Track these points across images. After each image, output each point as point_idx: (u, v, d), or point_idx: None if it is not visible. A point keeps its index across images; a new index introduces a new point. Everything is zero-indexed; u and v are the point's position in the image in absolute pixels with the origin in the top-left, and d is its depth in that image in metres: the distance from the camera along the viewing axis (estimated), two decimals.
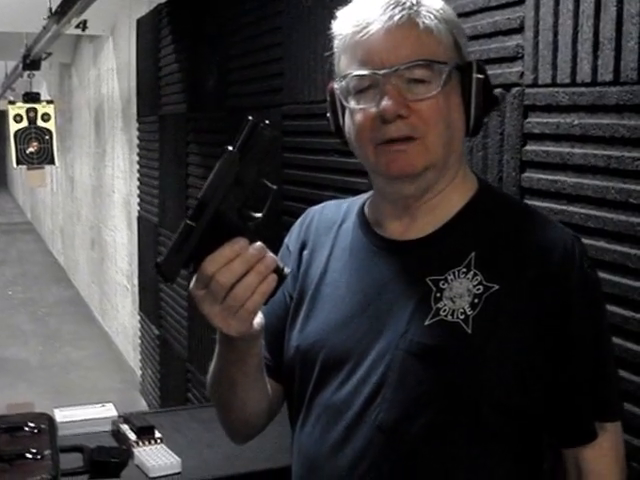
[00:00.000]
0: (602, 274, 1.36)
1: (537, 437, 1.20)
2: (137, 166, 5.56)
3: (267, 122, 1.04)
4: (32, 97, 6.51)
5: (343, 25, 1.20)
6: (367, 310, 1.22)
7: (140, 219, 5.56)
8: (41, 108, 6.48)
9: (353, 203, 1.36)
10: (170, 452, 2.06)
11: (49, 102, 6.63)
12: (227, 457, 2.09)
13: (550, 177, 1.59)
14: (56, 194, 12.38)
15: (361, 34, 1.16)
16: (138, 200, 5.56)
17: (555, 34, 1.57)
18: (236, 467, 2.05)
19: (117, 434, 2.18)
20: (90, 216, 9.13)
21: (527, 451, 1.20)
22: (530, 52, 1.63)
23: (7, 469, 1.79)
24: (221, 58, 3.66)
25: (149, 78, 5.10)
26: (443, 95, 1.16)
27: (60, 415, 2.25)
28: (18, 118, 6.41)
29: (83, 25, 5.97)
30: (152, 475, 1.96)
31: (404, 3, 1.15)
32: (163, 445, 2.11)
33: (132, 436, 2.12)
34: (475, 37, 1.76)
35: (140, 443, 2.09)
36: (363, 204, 1.33)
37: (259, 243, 1.05)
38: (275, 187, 1.07)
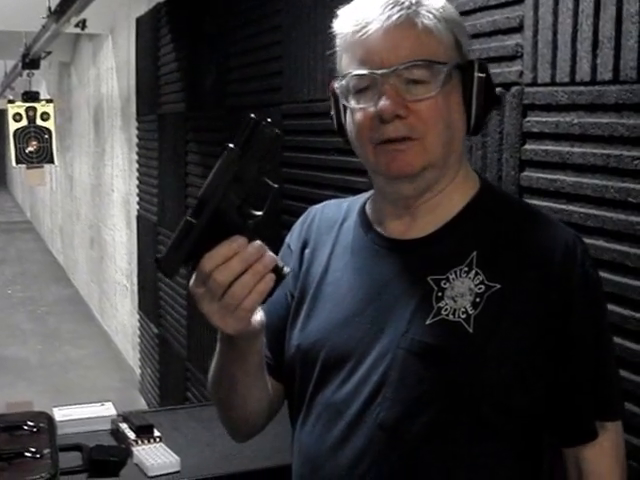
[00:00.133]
0: (601, 273, 1.35)
1: (538, 436, 1.20)
2: (136, 165, 5.56)
3: (269, 120, 1.04)
4: (31, 96, 6.50)
5: (344, 24, 1.20)
6: (368, 309, 1.22)
7: (139, 218, 5.56)
8: (40, 107, 6.48)
9: (354, 202, 1.36)
10: (169, 451, 2.06)
11: (48, 101, 6.62)
12: (226, 456, 2.09)
13: (549, 176, 1.59)
14: (55, 193, 12.37)
15: (360, 33, 1.16)
16: (137, 199, 5.56)
17: (554, 33, 1.57)
18: (235, 466, 2.05)
19: (116, 433, 2.18)
20: (89, 215, 9.13)
21: (528, 450, 1.20)
22: (529, 51, 1.63)
23: (6, 468, 1.79)
24: (220, 57, 3.65)
25: (148, 77, 5.10)
26: (442, 95, 1.15)
27: (59, 414, 2.25)
28: (17, 117, 6.41)
29: (82, 24, 5.97)
30: (151, 474, 1.96)
31: (402, 3, 1.14)
32: (162, 444, 2.11)
33: (131, 435, 2.12)
34: (474, 36, 1.76)
35: (139, 442, 2.09)
36: (364, 203, 1.33)
37: (258, 242, 1.05)
38: (276, 186, 1.07)
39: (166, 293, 4.75)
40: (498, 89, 1.68)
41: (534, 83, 1.63)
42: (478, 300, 1.15)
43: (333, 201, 1.42)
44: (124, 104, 6.56)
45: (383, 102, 1.15)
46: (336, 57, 1.24)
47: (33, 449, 1.85)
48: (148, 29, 5.09)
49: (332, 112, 1.27)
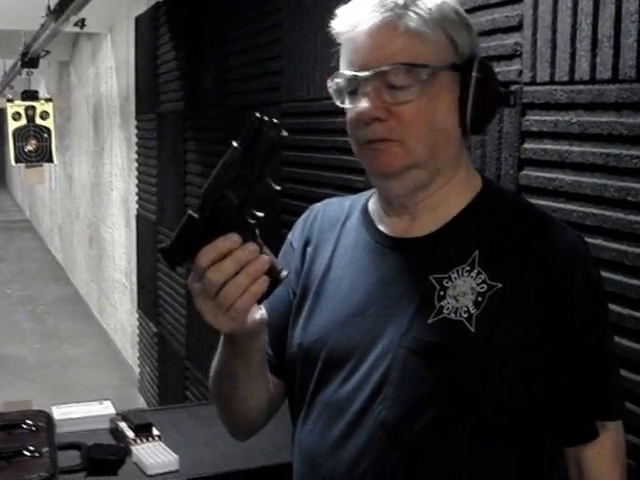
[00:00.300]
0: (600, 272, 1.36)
1: (538, 436, 1.20)
2: (135, 164, 5.55)
3: (275, 121, 1.04)
4: (30, 95, 6.50)
5: (338, 24, 1.21)
6: (370, 308, 1.22)
7: (138, 217, 5.55)
8: (40, 106, 6.47)
9: (357, 200, 1.36)
10: (168, 450, 2.06)
11: (48, 100, 6.61)
12: (225, 454, 2.09)
13: (548, 175, 1.59)
14: (54, 192, 12.37)
15: (349, 35, 1.18)
16: (136, 198, 5.55)
17: (554, 32, 1.57)
18: (234, 464, 2.05)
19: (115, 432, 2.18)
20: (88, 214, 9.12)
21: (528, 450, 1.20)
22: (528, 50, 1.63)
23: (5, 467, 1.79)
24: (220, 56, 3.65)
25: (147, 76, 5.10)
26: (427, 98, 1.15)
27: (58, 412, 2.25)
28: (16, 116, 6.40)
29: (81, 23, 5.96)
30: (150, 472, 1.96)
31: (389, 4, 1.14)
32: (161, 443, 2.11)
33: (130, 434, 2.12)
34: None
35: (138, 441, 2.09)
36: (367, 201, 1.34)
37: (252, 244, 1.04)
38: (278, 188, 1.07)
39: (165, 292, 4.75)
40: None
41: (533, 82, 1.63)
42: (480, 299, 1.15)
43: (335, 199, 1.42)
44: (123, 103, 6.55)
45: (362, 105, 1.16)
46: (338, 56, 1.24)
47: (32, 448, 1.85)
48: (147, 28, 5.09)
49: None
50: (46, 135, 6.47)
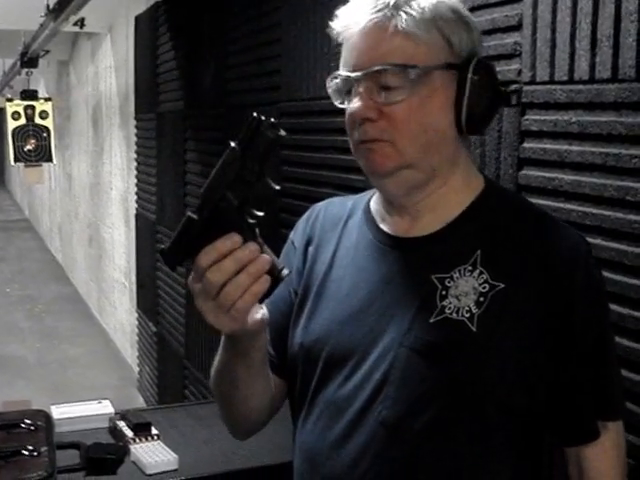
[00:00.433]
0: None
1: (539, 435, 1.20)
2: (135, 163, 5.56)
3: (272, 120, 1.04)
4: (30, 94, 6.49)
5: (336, 24, 1.21)
6: (371, 307, 1.22)
7: (138, 216, 5.55)
8: (39, 106, 6.47)
9: (359, 200, 1.37)
10: (167, 449, 2.06)
11: (47, 100, 6.61)
12: (224, 454, 2.09)
13: (547, 174, 1.59)
14: (54, 192, 12.37)
15: (345, 35, 1.19)
16: (136, 197, 5.56)
17: (553, 31, 1.56)
18: (233, 464, 2.05)
19: (114, 431, 2.18)
20: (88, 213, 9.12)
21: (529, 449, 1.20)
22: (528, 49, 1.63)
23: (4, 466, 1.79)
24: (219, 55, 3.65)
25: (147, 75, 5.10)
26: (418, 98, 1.15)
27: (57, 412, 2.24)
28: (16, 115, 6.40)
29: (81, 22, 5.97)
30: (149, 472, 1.96)
31: (381, 5, 1.15)
32: (160, 442, 2.11)
33: (129, 433, 2.12)
34: None
35: (137, 440, 2.09)
36: (369, 201, 1.34)
37: (253, 243, 1.04)
38: (278, 187, 1.07)
39: (164, 291, 4.75)
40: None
41: (532, 81, 1.62)
42: (482, 299, 1.15)
43: (337, 198, 1.42)
44: (123, 102, 6.55)
45: (353, 105, 1.18)
46: (338, 56, 1.25)
47: (30, 447, 1.85)
48: (147, 27, 5.09)
49: None
50: (45, 134, 6.47)
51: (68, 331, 8.11)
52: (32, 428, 1.97)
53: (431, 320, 1.16)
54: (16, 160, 6.48)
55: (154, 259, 4.97)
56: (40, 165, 6.67)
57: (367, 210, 1.32)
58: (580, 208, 1.51)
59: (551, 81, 1.58)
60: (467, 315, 1.15)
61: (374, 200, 1.32)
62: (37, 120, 6.44)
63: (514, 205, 1.27)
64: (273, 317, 1.22)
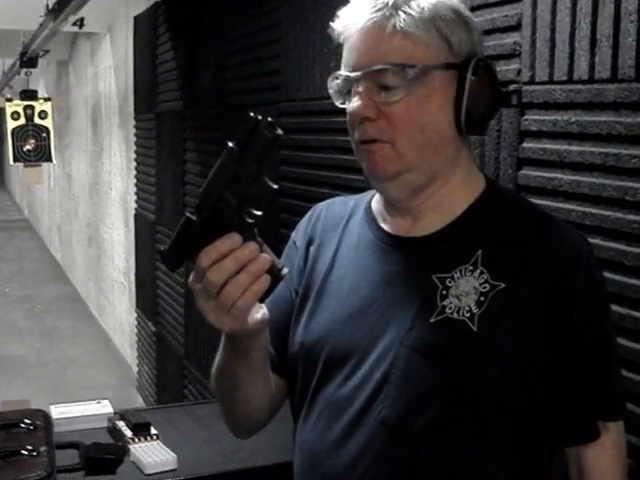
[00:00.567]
0: None
1: (539, 435, 1.20)
2: (134, 163, 5.56)
3: (270, 119, 1.04)
4: (29, 94, 6.49)
5: (337, 24, 1.22)
6: (372, 306, 1.22)
7: (137, 216, 5.55)
8: (38, 106, 6.47)
9: (360, 199, 1.37)
10: (166, 449, 2.06)
11: (46, 100, 6.61)
12: (223, 454, 2.09)
13: (547, 174, 1.59)
14: (53, 191, 12.36)
15: (346, 35, 1.20)
16: (135, 197, 5.56)
17: (552, 31, 1.56)
18: (232, 464, 2.05)
19: (113, 431, 2.18)
20: (87, 213, 9.12)
21: (529, 450, 1.20)
22: (527, 49, 1.63)
23: (3, 466, 1.79)
24: (218, 55, 3.65)
25: (146, 75, 5.10)
26: (416, 97, 1.15)
27: (56, 412, 2.24)
28: (15, 115, 6.40)
29: (80, 22, 5.97)
30: (148, 472, 1.96)
31: (380, 5, 1.15)
32: (159, 442, 2.11)
33: (128, 433, 2.12)
34: None
35: (136, 440, 2.09)
36: (370, 200, 1.34)
37: (253, 243, 1.04)
38: (276, 186, 1.07)
39: (164, 291, 4.75)
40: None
41: (532, 81, 1.62)
42: (483, 299, 1.15)
43: (339, 198, 1.42)
44: (122, 102, 6.55)
45: (352, 104, 1.18)
46: (339, 56, 1.25)
47: (30, 447, 1.85)
48: (146, 28, 5.09)
49: None
50: (45, 134, 6.47)
51: (67, 331, 8.11)
52: (31, 428, 1.97)
53: (432, 320, 1.16)
54: (15, 160, 6.47)
55: (153, 259, 4.97)
56: (39, 165, 6.68)
57: (368, 210, 1.32)
58: (579, 208, 1.51)
59: (550, 81, 1.58)
60: (468, 315, 1.15)
61: (375, 200, 1.32)
62: (36, 120, 6.44)
63: (515, 205, 1.27)
64: (274, 316, 1.22)
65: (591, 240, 1.44)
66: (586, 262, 1.17)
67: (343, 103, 1.22)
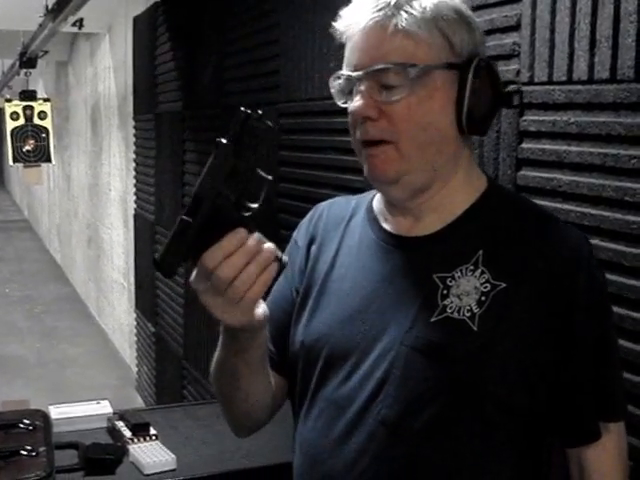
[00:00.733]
0: None
1: (540, 435, 1.20)
2: (133, 164, 5.56)
3: (260, 112, 1.04)
4: (29, 95, 6.49)
5: (339, 24, 1.22)
6: (372, 306, 1.22)
7: (136, 217, 5.55)
8: (38, 106, 6.46)
9: (362, 199, 1.37)
10: (165, 449, 2.06)
11: (46, 100, 6.61)
12: (222, 454, 2.09)
13: (546, 175, 1.59)
14: (53, 192, 12.36)
15: (347, 35, 1.20)
16: (134, 198, 5.56)
17: (552, 32, 1.56)
18: (231, 464, 2.05)
19: (112, 431, 2.18)
20: (87, 214, 9.12)
21: (529, 449, 1.20)
22: (527, 50, 1.63)
23: (2, 466, 1.79)
24: (217, 56, 3.65)
25: (145, 76, 5.10)
26: (417, 97, 1.15)
27: (55, 412, 2.24)
28: (15, 116, 6.39)
29: (79, 23, 5.97)
30: (147, 472, 1.96)
31: (382, 4, 1.15)
32: (158, 442, 2.11)
33: (127, 433, 2.12)
34: None
35: (135, 440, 2.09)
36: (372, 200, 1.34)
37: (257, 234, 1.04)
38: (270, 177, 1.07)
39: (163, 292, 4.75)
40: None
41: (531, 82, 1.62)
42: (483, 299, 1.15)
43: (341, 198, 1.43)
44: (121, 103, 6.55)
45: (354, 104, 1.18)
46: (341, 56, 1.25)
47: (29, 447, 1.85)
48: (145, 28, 5.09)
49: None
50: (44, 135, 6.47)
51: (67, 331, 8.11)
52: (30, 428, 1.97)
53: (432, 319, 1.16)
54: (15, 160, 6.47)
55: (153, 259, 4.96)
56: (39, 165, 6.67)
57: (370, 209, 1.32)
58: (578, 209, 1.51)
59: (550, 81, 1.58)
60: (468, 314, 1.15)
61: (377, 199, 1.33)
62: (36, 120, 6.44)
63: (516, 205, 1.27)
64: (275, 315, 1.23)
65: (590, 241, 1.45)
66: (587, 262, 1.17)
67: (345, 103, 1.22)
